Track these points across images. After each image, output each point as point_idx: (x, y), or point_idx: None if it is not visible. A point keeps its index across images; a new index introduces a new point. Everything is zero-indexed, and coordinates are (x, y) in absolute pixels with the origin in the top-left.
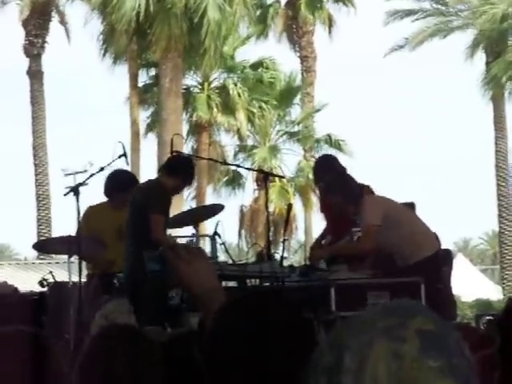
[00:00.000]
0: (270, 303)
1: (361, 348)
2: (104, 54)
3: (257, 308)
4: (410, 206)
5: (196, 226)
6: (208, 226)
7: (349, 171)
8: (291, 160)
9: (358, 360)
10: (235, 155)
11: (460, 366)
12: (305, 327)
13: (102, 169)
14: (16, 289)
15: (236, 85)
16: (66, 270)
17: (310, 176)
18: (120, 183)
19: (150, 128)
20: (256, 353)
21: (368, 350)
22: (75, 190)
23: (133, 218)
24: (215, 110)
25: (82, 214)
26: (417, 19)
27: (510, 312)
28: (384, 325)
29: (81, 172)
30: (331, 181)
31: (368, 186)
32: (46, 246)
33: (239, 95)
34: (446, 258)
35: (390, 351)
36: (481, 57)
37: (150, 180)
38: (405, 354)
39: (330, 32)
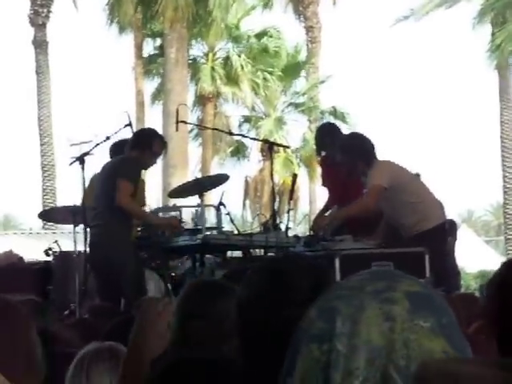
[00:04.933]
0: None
1: (352, 312)
2: (110, 24)
3: (284, 272)
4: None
5: (201, 196)
6: (213, 197)
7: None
8: (296, 131)
9: (350, 324)
10: (239, 126)
11: (449, 325)
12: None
13: (107, 138)
14: (21, 258)
15: (239, 56)
16: (71, 240)
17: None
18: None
19: (155, 98)
20: (283, 317)
21: (359, 313)
22: (81, 159)
23: (102, 186)
24: (219, 81)
25: (87, 183)
26: None
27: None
28: (373, 288)
29: (86, 142)
30: (343, 140)
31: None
32: (51, 216)
33: (242, 67)
34: (450, 228)
35: (381, 314)
36: (487, 27)
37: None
38: (395, 315)
39: (334, 3)
